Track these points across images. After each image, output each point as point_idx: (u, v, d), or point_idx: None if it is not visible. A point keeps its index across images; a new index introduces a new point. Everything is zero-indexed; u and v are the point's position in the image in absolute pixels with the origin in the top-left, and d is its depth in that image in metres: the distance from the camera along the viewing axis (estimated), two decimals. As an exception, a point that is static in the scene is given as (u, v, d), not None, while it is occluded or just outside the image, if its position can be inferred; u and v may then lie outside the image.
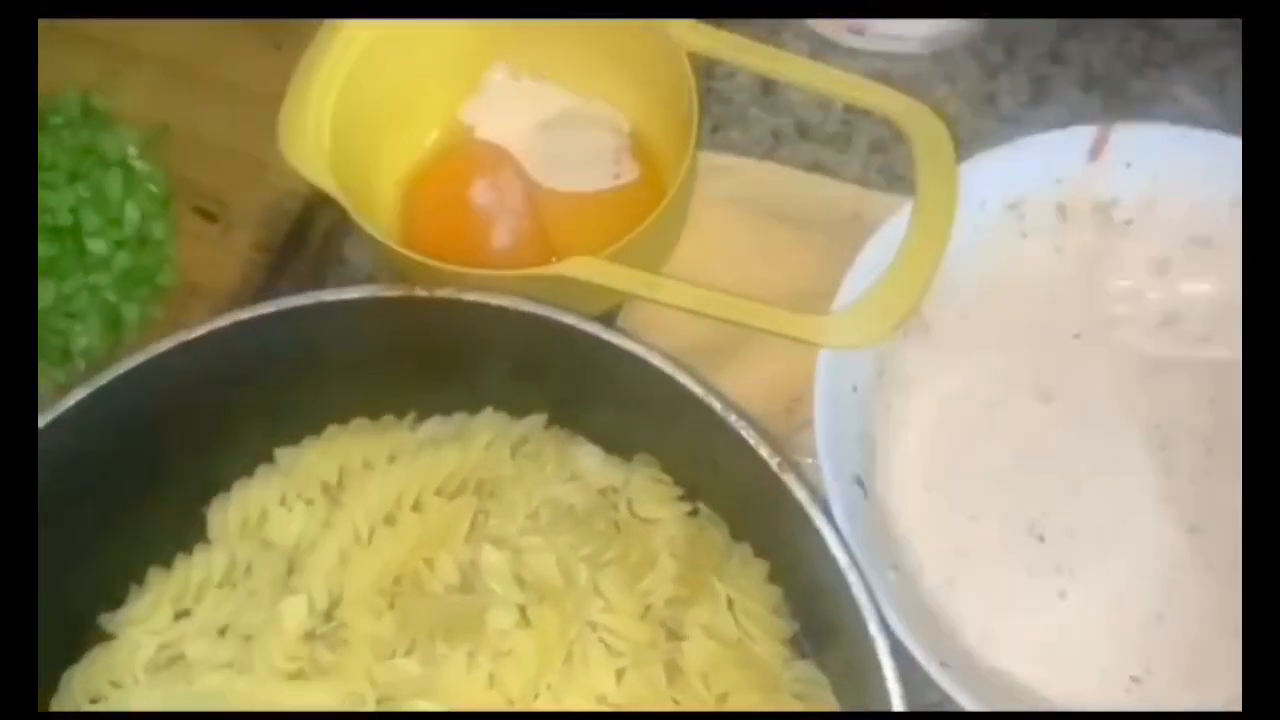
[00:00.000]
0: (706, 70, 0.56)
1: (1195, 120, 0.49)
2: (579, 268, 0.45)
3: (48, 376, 0.48)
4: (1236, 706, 0.42)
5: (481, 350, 0.44)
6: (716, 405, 0.38)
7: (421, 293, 0.40)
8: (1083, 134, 0.46)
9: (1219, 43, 0.55)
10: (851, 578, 0.35)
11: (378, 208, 0.52)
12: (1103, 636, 0.43)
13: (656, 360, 0.40)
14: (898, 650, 0.38)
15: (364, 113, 0.50)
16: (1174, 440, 0.46)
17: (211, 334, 0.40)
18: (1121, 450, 0.46)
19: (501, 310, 0.40)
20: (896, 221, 0.45)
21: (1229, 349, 0.47)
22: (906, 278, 0.44)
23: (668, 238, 0.51)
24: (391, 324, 0.43)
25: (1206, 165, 0.46)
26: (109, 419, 0.41)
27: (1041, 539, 0.45)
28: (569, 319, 0.40)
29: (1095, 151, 0.46)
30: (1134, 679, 0.43)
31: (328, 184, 0.46)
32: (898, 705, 0.34)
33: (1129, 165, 0.46)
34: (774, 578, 0.42)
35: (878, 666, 0.34)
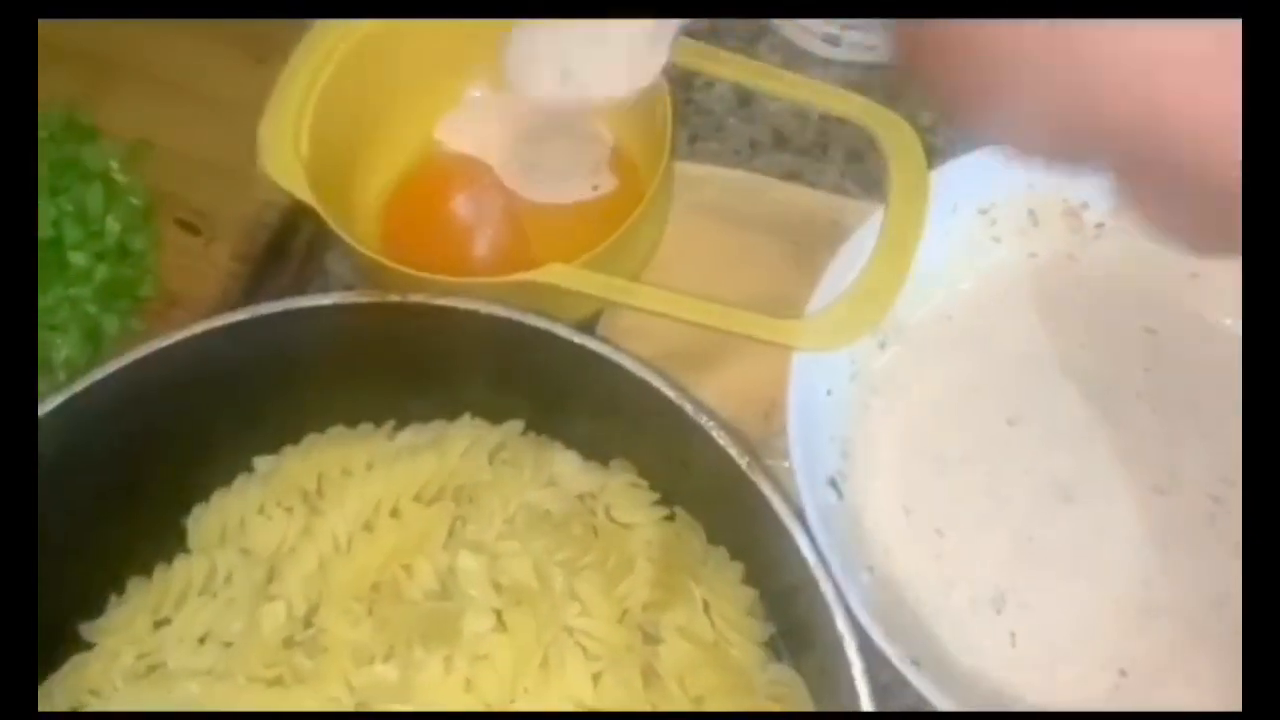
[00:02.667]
0: (686, 82, 0.56)
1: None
2: (553, 274, 0.45)
3: (28, 388, 0.49)
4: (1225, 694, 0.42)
5: (458, 357, 0.44)
6: (688, 408, 0.38)
7: (394, 298, 0.40)
8: (1053, 139, 0.47)
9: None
10: (819, 574, 0.35)
11: (357, 220, 0.52)
12: (1084, 632, 0.43)
13: (629, 364, 0.40)
14: (872, 652, 0.38)
15: (342, 125, 0.50)
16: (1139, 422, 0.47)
17: (186, 341, 0.40)
18: (1096, 461, 0.46)
19: (473, 314, 0.40)
20: (870, 228, 0.46)
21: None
22: (877, 283, 0.44)
23: (644, 245, 0.51)
24: (367, 331, 0.43)
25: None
26: (85, 428, 0.41)
27: (1018, 538, 0.45)
28: (540, 323, 0.40)
29: (1065, 156, 0.47)
30: (1122, 672, 0.43)
31: (305, 194, 0.47)
32: (866, 703, 0.33)
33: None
34: (750, 580, 0.42)
35: (847, 664, 0.34)
